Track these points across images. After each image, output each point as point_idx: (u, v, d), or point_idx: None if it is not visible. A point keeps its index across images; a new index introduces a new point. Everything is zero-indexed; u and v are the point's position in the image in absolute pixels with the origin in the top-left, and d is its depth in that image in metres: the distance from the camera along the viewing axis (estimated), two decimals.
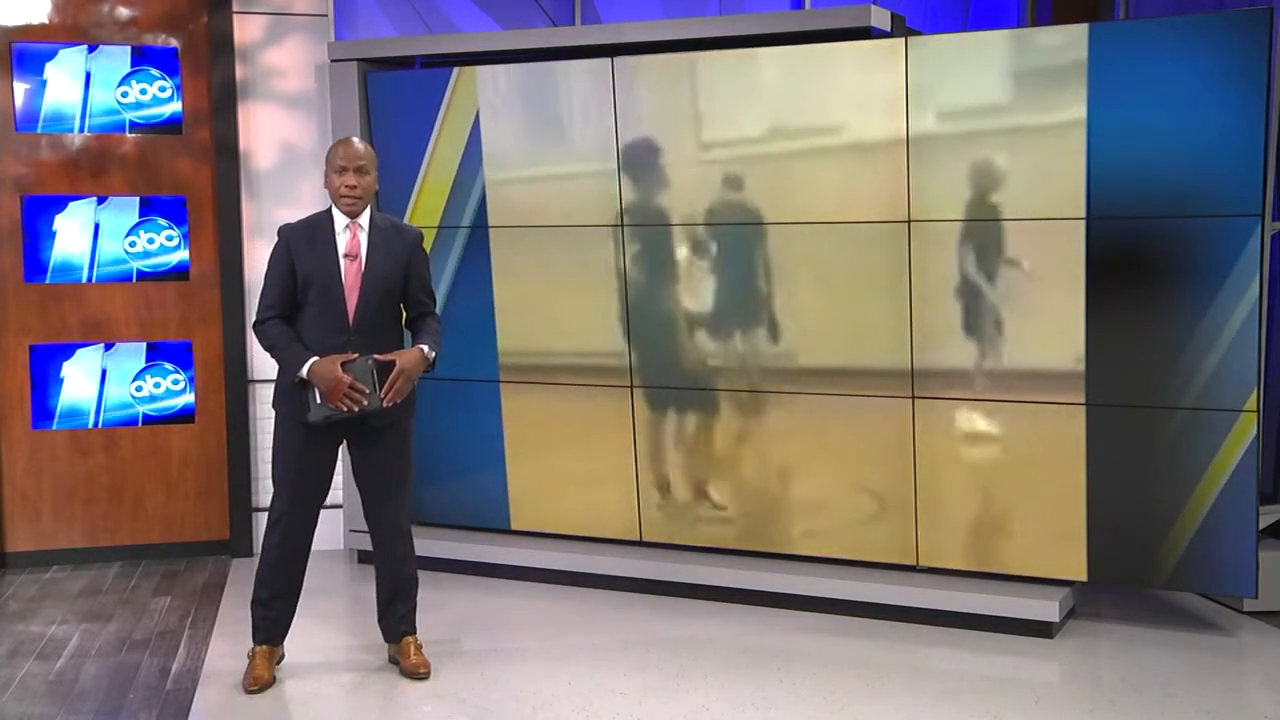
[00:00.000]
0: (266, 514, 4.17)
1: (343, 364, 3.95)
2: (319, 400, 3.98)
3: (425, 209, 5.41)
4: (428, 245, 5.38)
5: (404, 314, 4.25)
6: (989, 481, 4.68)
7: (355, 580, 5.38)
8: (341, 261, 4.05)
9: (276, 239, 4.12)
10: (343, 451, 4.28)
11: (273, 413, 4.19)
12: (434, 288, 4.32)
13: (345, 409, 3.97)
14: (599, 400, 5.24)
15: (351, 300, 4.05)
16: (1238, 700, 4.05)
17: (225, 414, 5.79)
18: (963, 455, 4.70)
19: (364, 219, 4.10)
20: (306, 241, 4.05)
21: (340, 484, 4.23)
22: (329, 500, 4.25)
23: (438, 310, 4.31)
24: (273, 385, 4.23)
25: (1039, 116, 4.42)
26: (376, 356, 4.01)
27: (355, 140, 4.13)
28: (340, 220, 4.08)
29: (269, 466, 4.29)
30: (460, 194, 5.33)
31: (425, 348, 4.09)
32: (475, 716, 3.94)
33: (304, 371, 3.97)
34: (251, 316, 4.66)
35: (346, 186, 4.04)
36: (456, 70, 5.26)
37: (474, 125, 5.24)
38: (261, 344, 4.16)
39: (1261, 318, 4.26)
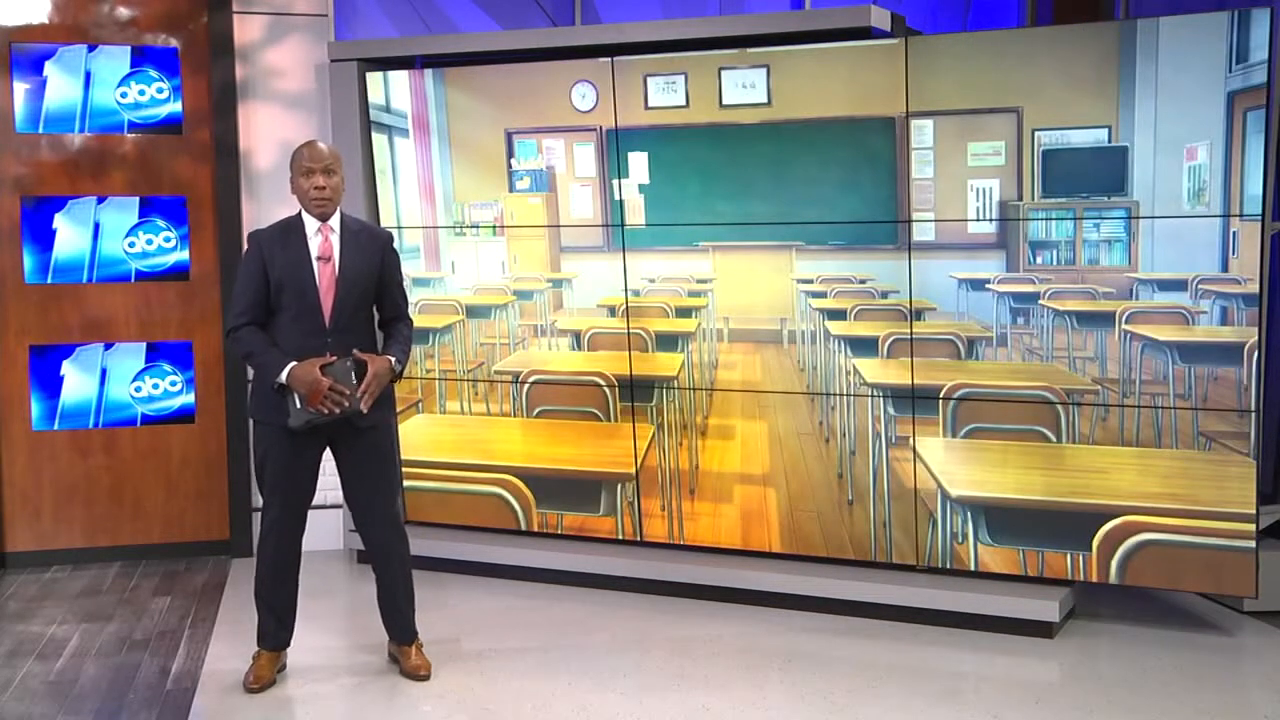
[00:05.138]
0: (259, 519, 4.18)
1: (321, 367, 3.95)
2: (299, 405, 3.97)
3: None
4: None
5: (377, 315, 4.24)
6: (989, 481, 4.67)
7: (355, 580, 5.38)
8: (315, 264, 4.04)
9: (247, 245, 4.11)
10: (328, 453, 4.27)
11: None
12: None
13: (327, 412, 3.96)
14: (598, 400, 5.24)
15: (327, 303, 4.03)
16: (1238, 700, 4.05)
17: (225, 414, 5.79)
18: (962, 455, 4.70)
19: (334, 222, 4.09)
20: (279, 246, 4.04)
21: (339, 484, 4.23)
22: (330, 500, 4.25)
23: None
24: (249, 393, 4.19)
25: (1038, 116, 4.42)
26: (356, 354, 3.99)
27: (319, 142, 4.12)
28: (311, 224, 4.07)
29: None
30: None
31: (393, 359, 4.08)
32: (475, 716, 3.95)
33: (283, 377, 3.95)
34: None
35: (315, 188, 4.02)
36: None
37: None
38: (236, 352, 4.15)
39: (1262, 318, 4.26)
